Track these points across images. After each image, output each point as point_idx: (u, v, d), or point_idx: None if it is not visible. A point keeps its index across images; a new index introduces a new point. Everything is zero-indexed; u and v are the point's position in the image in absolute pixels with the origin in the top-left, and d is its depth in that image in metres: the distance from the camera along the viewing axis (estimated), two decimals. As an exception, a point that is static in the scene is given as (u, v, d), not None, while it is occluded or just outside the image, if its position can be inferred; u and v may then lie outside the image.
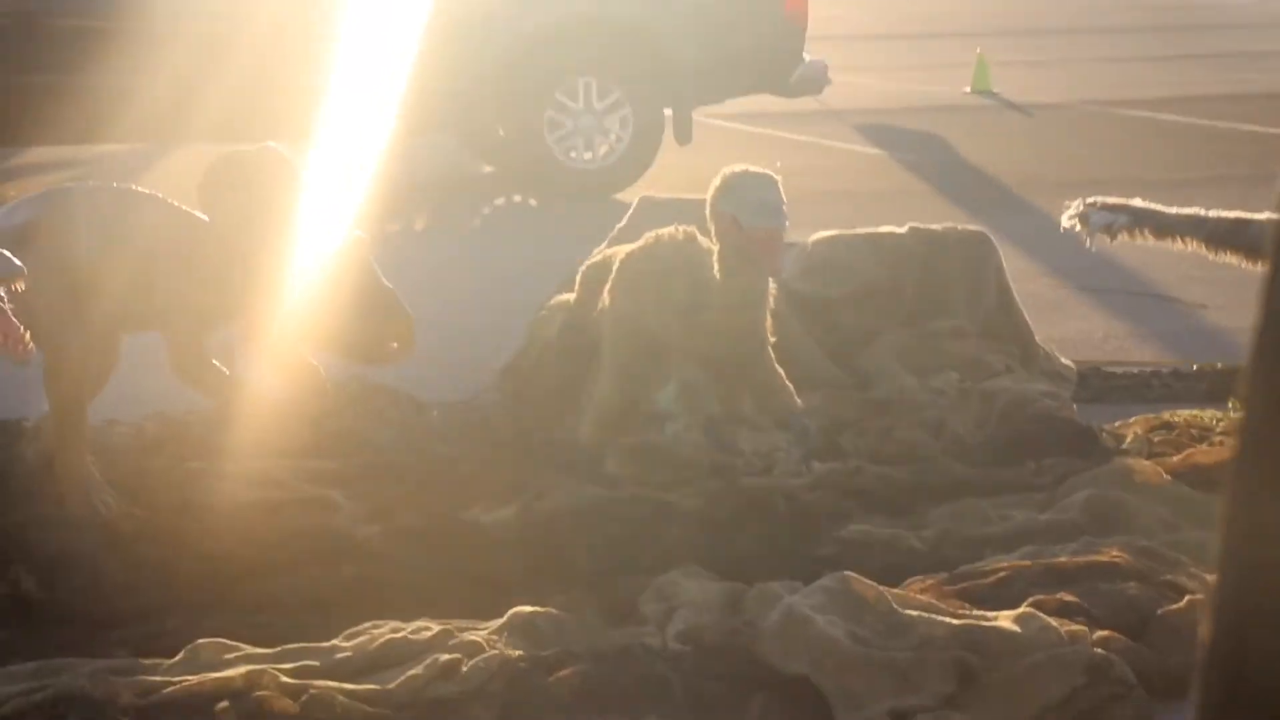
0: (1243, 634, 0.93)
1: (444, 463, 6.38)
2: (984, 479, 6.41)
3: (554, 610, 4.98)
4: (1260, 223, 6.76)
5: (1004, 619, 4.85)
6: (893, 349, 7.55)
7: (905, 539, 5.74)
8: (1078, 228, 7.05)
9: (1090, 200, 7.11)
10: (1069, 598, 5.02)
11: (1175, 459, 6.34)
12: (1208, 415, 7.17)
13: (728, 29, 14.01)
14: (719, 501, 5.92)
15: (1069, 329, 9.40)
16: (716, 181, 6.02)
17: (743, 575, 5.34)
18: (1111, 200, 7.15)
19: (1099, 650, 4.73)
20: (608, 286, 6.25)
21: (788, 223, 5.98)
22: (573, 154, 13.68)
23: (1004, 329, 7.89)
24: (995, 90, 20.95)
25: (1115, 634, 4.85)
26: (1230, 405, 7.23)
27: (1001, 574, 5.21)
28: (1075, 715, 4.58)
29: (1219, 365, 8.15)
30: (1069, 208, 7.09)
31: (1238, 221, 6.82)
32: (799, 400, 6.22)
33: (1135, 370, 8.22)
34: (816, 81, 14.86)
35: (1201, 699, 0.94)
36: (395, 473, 6.34)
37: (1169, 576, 5.23)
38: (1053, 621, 4.80)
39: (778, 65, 14.32)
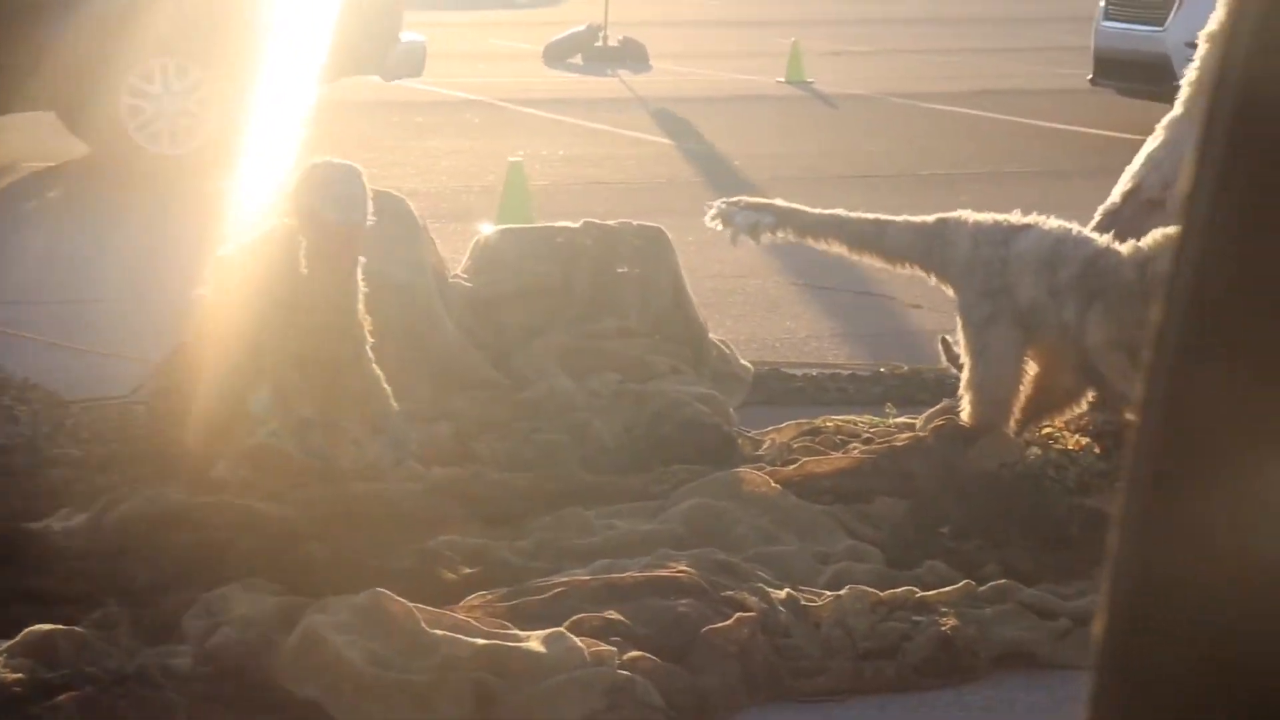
0: (1134, 635, 0.92)
1: (42, 466, 6.18)
2: (607, 487, 6.28)
3: (79, 628, 4.80)
4: (898, 225, 6.69)
5: (534, 639, 4.72)
6: (554, 349, 7.42)
7: (495, 550, 5.60)
8: (720, 226, 6.95)
9: (733, 200, 7.02)
10: (614, 615, 4.90)
11: (789, 469, 6.24)
12: (862, 420, 7.09)
13: (318, 7, 13.63)
14: (312, 509, 5.75)
15: (775, 328, 9.32)
16: (298, 174, 5.85)
17: (312, 588, 5.18)
18: (755, 200, 7.06)
19: (623, 672, 4.62)
20: (208, 284, 6.09)
21: (372, 218, 5.82)
22: (155, 140, 13.26)
23: (676, 329, 7.78)
24: (809, 80, 20.92)
25: (647, 655, 4.73)
26: (886, 410, 7.15)
27: (558, 590, 5.09)
28: (590, 740, 4.46)
29: (903, 368, 8.08)
30: (710, 207, 6.99)
31: (876, 223, 6.74)
32: (395, 404, 6.06)
33: (814, 373, 8.13)
34: (414, 63, 14.51)
35: (1094, 698, 0.92)
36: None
37: (731, 593, 5.12)
38: (579, 642, 4.68)
39: (372, 45, 13.98)
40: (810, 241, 6.90)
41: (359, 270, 5.88)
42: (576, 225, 7.85)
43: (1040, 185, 13.43)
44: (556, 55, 23.22)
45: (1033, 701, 4.93)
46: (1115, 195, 7.07)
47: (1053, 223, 6.40)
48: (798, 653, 5.01)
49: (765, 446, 6.70)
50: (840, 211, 6.83)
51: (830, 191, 11.88)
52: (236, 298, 5.98)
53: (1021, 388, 6.39)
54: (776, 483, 6.09)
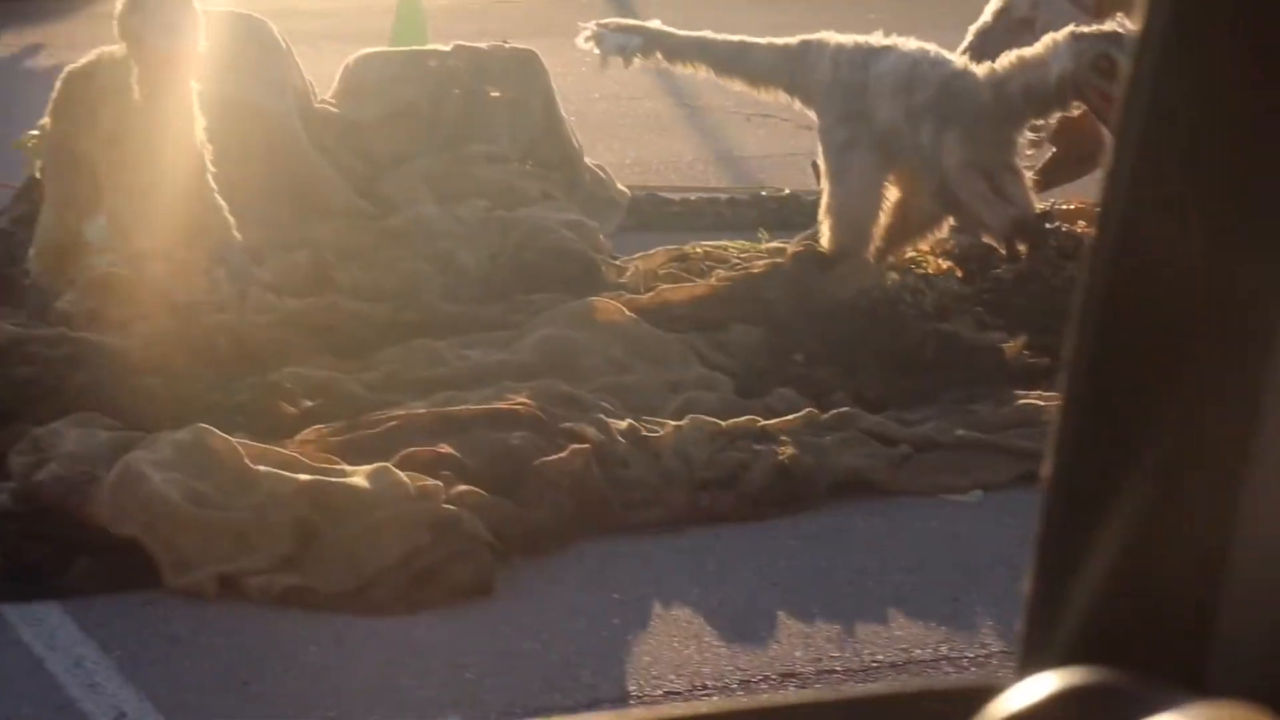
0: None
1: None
2: (464, 317, 6.19)
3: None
4: (761, 48, 6.57)
5: (359, 474, 4.66)
6: (422, 175, 7.28)
7: (341, 382, 5.52)
8: (595, 49, 6.82)
9: (604, 22, 6.89)
10: (446, 449, 4.84)
11: (645, 296, 6.17)
12: (734, 246, 7.00)
13: None
14: (155, 342, 5.64)
15: (662, 151, 9.21)
16: (125, -1, 5.67)
17: (147, 424, 5.10)
18: (626, 22, 6.93)
19: (449, 507, 4.56)
20: (49, 107, 5.94)
21: (204, 44, 5.66)
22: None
23: (549, 154, 7.66)
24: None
25: (475, 489, 4.68)
26: (759, 235, 7.07)
27: (392, 424, 5.02)
28: (414, 574, 4.41)
29: (783, 192, 7.99)
30: (584, 29, 6.86)
31: (741, 46, 6.62)
32: (238, 235, 5.94)
33: (693, 197, 8.03)
34: None
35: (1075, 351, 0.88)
36: None
37: (569, 425, 5.06)
38: (405, 477, 4.62)
39: None
40: (679, 66, 6.78)
41: (194, 97, 5.73)
42: (447, 48, 7.70)
43: (953, 4, 13.26)
44: None
45: (869, 528, 4.91)
46: (987, 14, 6.94)
47: (912, 44, 6.28)
48: (635, 484, 4.97)
49: (629, 274, 6.62)
50: (707, 34, 6.70)
51: (738, 10, 11.70)
52: (72, 126, 5.84)
53: (882, 213, 6.31)
54: (632, 311, 6.01)
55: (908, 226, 6.37)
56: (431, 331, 6.03)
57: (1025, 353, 5.85)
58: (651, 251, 6.95)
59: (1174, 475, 0.88)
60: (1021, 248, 6.18)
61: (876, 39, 6.39)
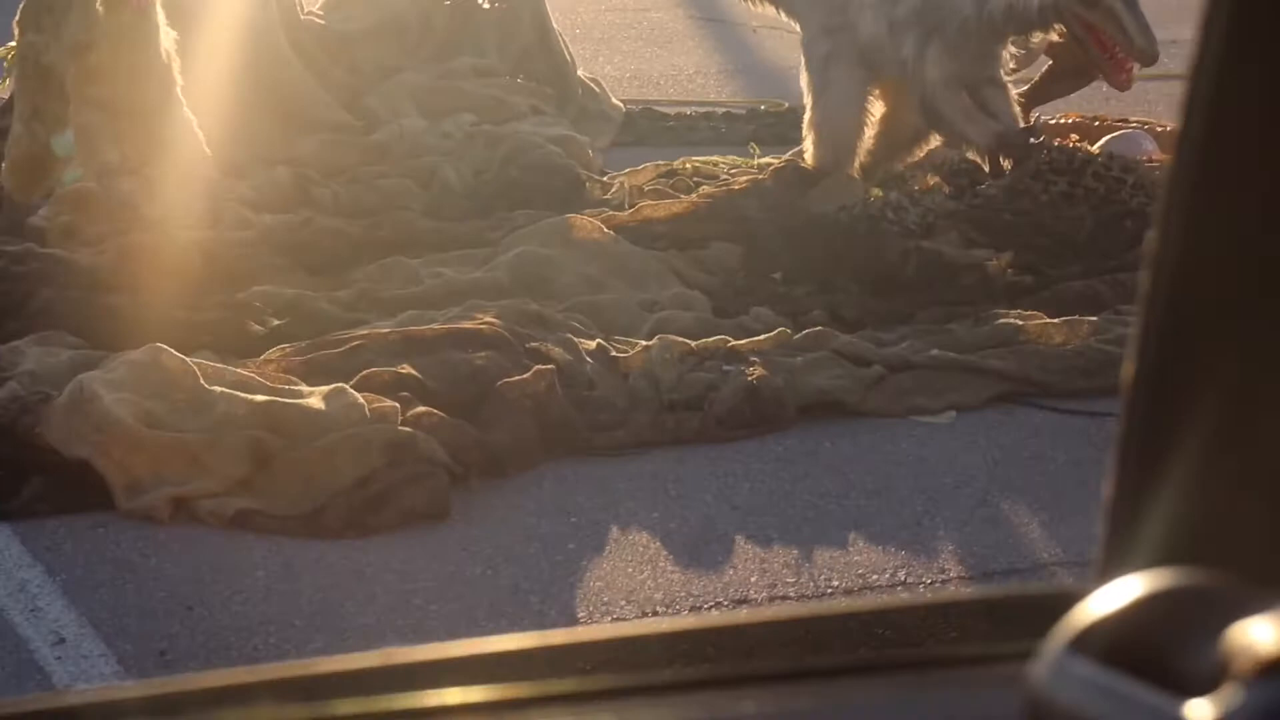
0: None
1: None
2: (443, 233, 6.12)
3: None
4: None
5: (315, 395, 4.60)
6: (409, 89, 7.21)
7: (311, 300, 5.46)
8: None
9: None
10: (406, 370, 4.77)
11: (625, 214, 6.08)
12: (725, 161, 6.91)
13: None
14: (126, 258, 5.58)
15: (663, 64, 9.09)
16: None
17: (112, 342, 5.04)
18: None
19: (405, 429, 4.50)
20: (17, 18, 5.86)
21: None
22: None
23: (539, 67, 7.57)
24: None
25: (434, 410, 4.62)
26: (750, 149, 6.97)
27: (356, 343, 4.95)
28: (368, 498, 4.35)
29: (783, 105, 7.87)
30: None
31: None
32: (208, 150, 5.87)
33: (689, 111, 7.93)
34: None
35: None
36: None
37: (536, 344, 4.99)
38: (361, 398, 4.56)
39: None
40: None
41: (157, 8, 5.64)
42: (436, -41, 7.60)
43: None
44: None
45: (837, 450, 4.83)
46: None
47: (899, -44, 6.16)
48: (601, 405, 4.89)
49: (613, 190, 6.53)
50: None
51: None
52: (39, 37, 5.76)
53: (867, 128, 6.21)
54: (611, 228, 5.93)
55: (894, 142, 6.26)
56: (409, 249, 5.97)
57: (1009, 270, 5.75)
58: (640, 167, 6.86)
59: (1262, 372, 0.86)
60: (1005, 163, 6.07)
61: (863, -50, 6.27)
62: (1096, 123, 7.16)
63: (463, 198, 6.49)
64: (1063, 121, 7.17)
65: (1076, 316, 5.35)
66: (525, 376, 4.79)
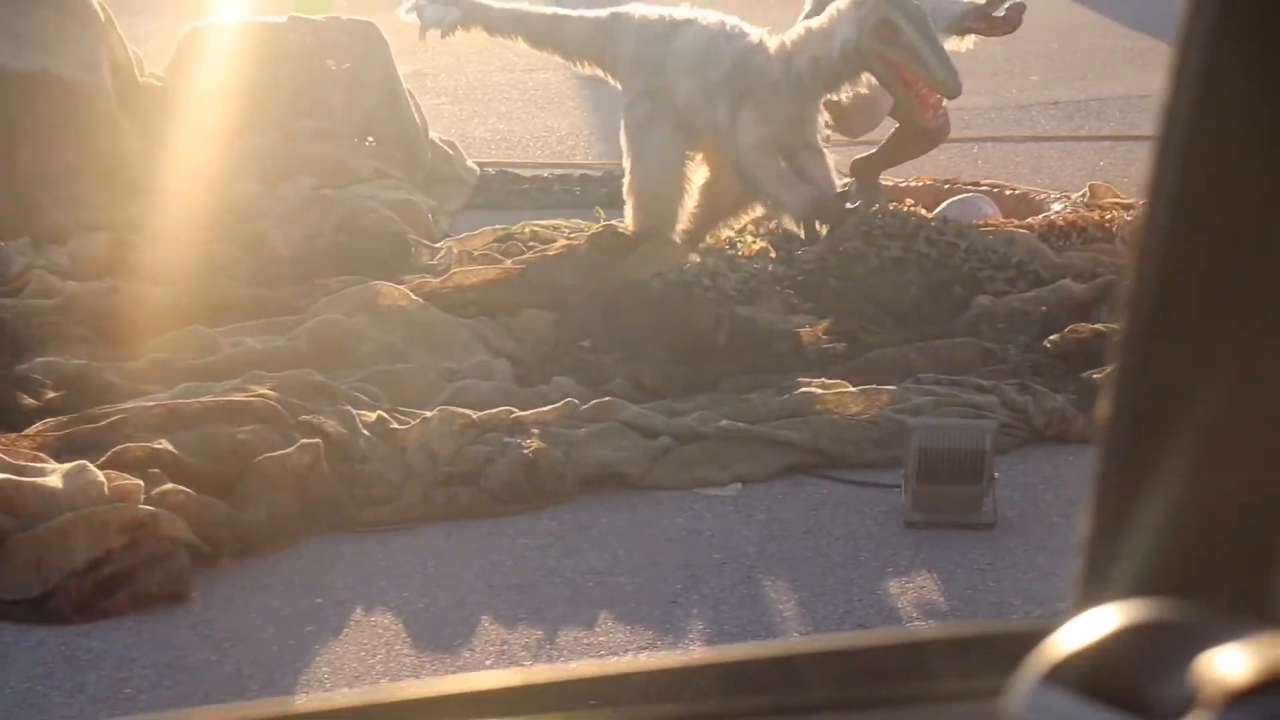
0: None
1: None
2: (257, 300, 5.99)
3: None
4: (574, 21, 6.33)
5: (56, 473, 4.45)
6: (250, 151, 7.08)
7: (97, 371, 5.31)
8: (415, 20, 6.59)
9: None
10: (162, 445, 4.62)
11: (437, 280, 5.94)
12: (567, 225, 6.77)
13: None
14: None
15: (536, 125, 8.98)
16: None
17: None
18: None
19: (146, 508, 4.35)
20: None
21: None
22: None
23: (387, 129, 7.45)
24: None
25: (182, 488, 4.46)
26: (595, 212, 6.84)
27: (118, 417, 4.80)
28: (101, 580, 4.20)
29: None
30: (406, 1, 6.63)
31: (554, 19, 6.38)
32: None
33: (546, 174, 7.80)
34: None
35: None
36: None
37: (309, 417, 4.84)
38: (102, 476, 4.41)
39: None
40: (499, 38, 6.54)
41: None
42: (282, 19, 7.48)
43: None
44: None
45: (612, 524, 4.68)
46: (818, -11, 6.69)
47: (712, 17, 6.04)
48: (372, 480, 4.75)
49: (440, 255, 6.40)
50: (523, 5, 6.46)
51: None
52: None
53: (692, 192, 6.08)
54: (422, 295, 5.80)
55: (719, 206, 6.13)
56: (219, 316, 5.83)
57: (823, 338, 5.62)
58: (477, 232, 6.73)
59: (1238, 401, 0.87)
60: (821, 228, 5.94)
61: (681, 11, 6.15)
62: (947, 185, 7.05)
63: (289, 264, 6.36)
64: (914, 184, 7.06)
65: (874, 386, 5.21)
66: (288, 451, 4.65)
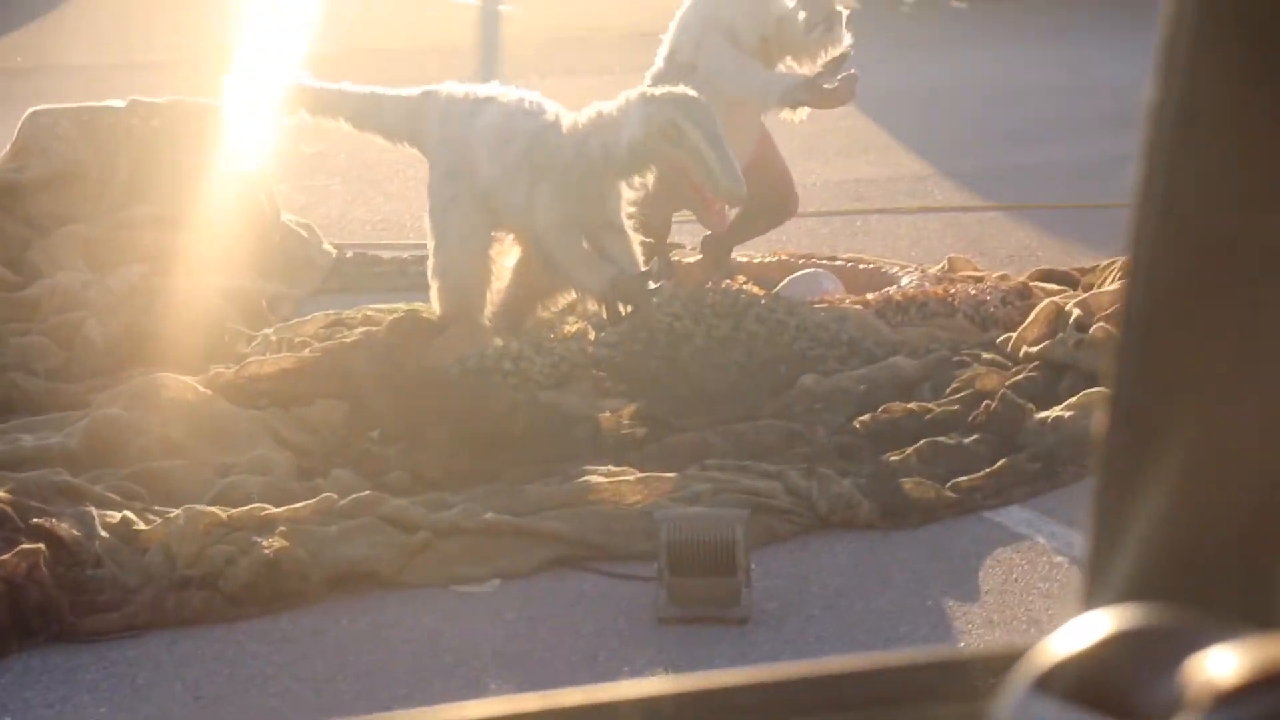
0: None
1: None
2: (50, 395, 5.74)
3: None
4: (391, 100, 6.09)
5: None
6: (81, 239, 6.84)
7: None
8: (234, 103, 6.37)
9: (244, 73, 6.43)
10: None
11: (231, 371, 5.67)
12: (405, 308, 6.50)
13: None
14: None
15: (409, 204, 8.74)
16: None
17: None
18: (269, 73, 6.45)
19: None
20: None
21: None
22: None
23: (230, 215, 7.20)
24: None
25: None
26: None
27: None
28: None
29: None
30: (227, 81, 6.41)
31: (373, 99, 6.14)
32: None
33: (404, 255, 7.55)
34: None
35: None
36: None
37: (41, 520, 4.56)
38: None
39: None
40: (323, 119, 6.30)
41: None
42: (123, 104, 7.26)
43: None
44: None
45: (353, 627, 4.39)
46: (659, 59, 6.45)
47: (512, 95, 5.79)
48: (103, 584, 4.47)
49: (255, 343, 6.13)
50: (346, 85, 6.23)
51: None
52: None
53: (495, 274, 5.83)
54: (215, 386, 5.53)
55: (534, 288, 5.86)
56: (6, 412, 5.59)
57: (625, 422, 5.33)
58: (308, 317, 6.47)
59: (1233, 405, 0.87)
60: (625, 309, 5.66)
61: (487, 89, 5.90)
62: (801, 260, 6.78)
63: (103, 355, 6.10)
64: (769, 260, 6.80)
65: (655, 474, 4.92)
66: (4, 558, 4.37)
